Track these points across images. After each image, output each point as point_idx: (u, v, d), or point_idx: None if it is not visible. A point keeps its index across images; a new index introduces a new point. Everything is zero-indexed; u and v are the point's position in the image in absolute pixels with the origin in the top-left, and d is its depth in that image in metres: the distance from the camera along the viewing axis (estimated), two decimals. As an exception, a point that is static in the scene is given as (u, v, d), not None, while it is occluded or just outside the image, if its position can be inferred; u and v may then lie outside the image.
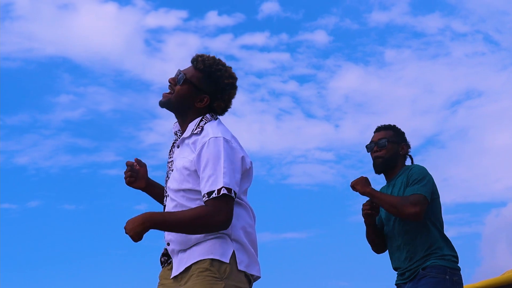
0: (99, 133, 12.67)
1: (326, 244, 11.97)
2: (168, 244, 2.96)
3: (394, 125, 4.36)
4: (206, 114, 3.04)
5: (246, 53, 12.51)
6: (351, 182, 4.18)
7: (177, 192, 2.95)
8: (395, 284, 4.22)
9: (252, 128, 12.64)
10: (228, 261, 2.82)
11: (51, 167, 12.15)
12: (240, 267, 2.86)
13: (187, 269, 2.86)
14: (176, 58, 12.72)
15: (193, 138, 2.97)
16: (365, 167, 11.90)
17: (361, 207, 4.15)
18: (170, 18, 12.58)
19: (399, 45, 13.13)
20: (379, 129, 4.33)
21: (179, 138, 3.07)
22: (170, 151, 3.14)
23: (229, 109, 3.13)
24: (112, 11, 12.83)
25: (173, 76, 3.10)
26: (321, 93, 12.86)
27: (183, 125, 3.06)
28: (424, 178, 4.07)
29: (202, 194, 2.84)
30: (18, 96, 12.42)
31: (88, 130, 12.63)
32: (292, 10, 13.12)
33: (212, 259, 2.81)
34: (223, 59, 3.11)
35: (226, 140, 2.91)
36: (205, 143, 2.88)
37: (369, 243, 4.32)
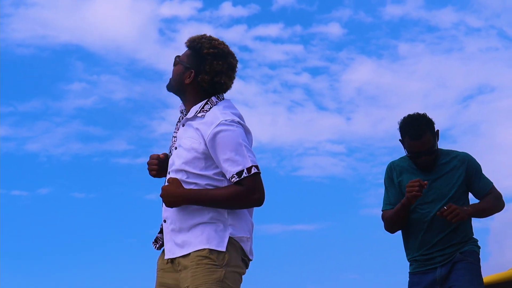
0: (111, 122, 12.70)
1: (337, 237, 11.98)
2: (165, 221, 3.00)
3: (424, 120, 4.08)
4: (211, 97, 3.05)
5: (259, 44, 12.50)
6: (450, 217, 3.90)
7: (179, 172, 2.97)
8: (412, 273, 4.14)
9: (263, 119, 12.65)
10: (224, 250, 2.86)
11: (62, 154, 12.20)
12: (243, 245, 2.93)
13: (185, 256, 2.90)
14: (189, 48, 12.72)
15: (198, 121, 2.98)
16: (376, 160, 11.91)
17: (407, 186, 3.91)
18: (184, 8, 12.58)
19: (413, 39, 13.08)
20: (420, 137, 4.02)
21: (184, 116, 3.10)
22: (176, 126, 3.17)
23: (228, 88, 3.10)
24: (127, 0, 12.86)
25: None
26: (333, 85, 12.85)
27: (187, 106, 3.09)
28: (480, 167, 4.18)
29: (231, 175, 2.88)
30: (31, 83, 12.47)
31: (100, 119, 12.66)
32: (306, 2, 13.10)
33: (210, 249, 2.85)
34: (236, 50, 3.14)
35: (237, 122, 2.95)
36: (217, 127, 2.91)
37: (392, 222, 4.13)
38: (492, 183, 4.16)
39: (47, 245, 11.64)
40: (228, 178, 2.91)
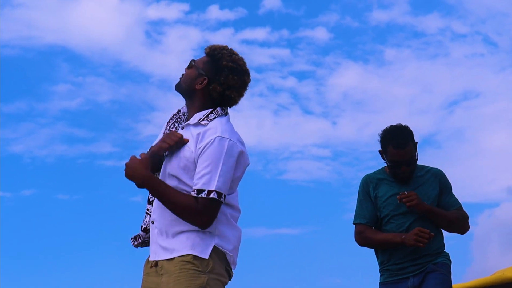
0: (96, 124, 12.68)
1: (321, 241, 12.01)
2: (153, 222, 2.99)
3: (407, 131, 4.16)
4: (217, 107, 3.04)
5: (246, 48, 12.52)
6: (405, 200, 3.99)
7: (171, 177, 2.96)
8: (382, 283, 4.17)
9: (250, 123, 12.66)
10: (207, 257, 2.85)
11: (47, 156, 12.16)
12: (227, 256, 2.92)
13: (169, 260, 2.89)
14: (176, 51, 12.73)
15: (199, 128, 2.97)
16: (361, 165, 11.96)
17: (415, 234, 3.93)
18: (171, 10, 12.59)
19: (399, 45, 13.16)
20: (403, 147, 4.09)
21: (185, 120, 3.09)
22: (168, 123, 3.15)
23: (235, 104, 3.11)
24: (113, 2, 12.84)
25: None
26: (319, 90, 12.89)
27: (190, 110, 3.08)
28: (451, 189, 4.23)
29: (193, 188, 2.87)
30: (16, 84, 12.43)
31: (85, 120, 12.64)
32: (293, 7, 13.14)
33: (194, 255, 2.85)
34: None
35: (231, 142, 2.93)
36: (211, 140, 2.89)
37: (376, 246, 4.20)
38: (461, 204, 4.22)
39: (30, 247, 11.59)
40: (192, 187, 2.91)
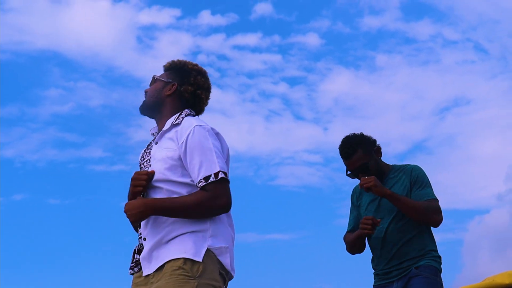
0: (87, 128, 12.67)
1: (311, 246, 12.01)
2: (145, 239, 2.96)
3: (355, 139, 4.15)
4: (185, 109, 3.12)
5: (238, 53, 12.54)
6: (362, 182, 3.98)
7: (156, 187, 2.95)
8: (374, 286, 4.20)
9: (241, 128, 12.67)
10: (201, 260, 2.84)
11: (38, 160, 12.14)
12: (221, 259, 2.90)
13: (161, 267, 2.87)
14: (168, 56, 12.74)
15: (173, 130, 3.02)
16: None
17: (361, 222, 4.00)
18: (163, 15, 12.60)
19: (390, 51, 13.20)
20: (350, 156, 4.10)
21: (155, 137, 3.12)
22: (143, 155, 3.16)
23: (202, 108, 3.22)
24: (105, 7, 12.84)
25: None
26: (311, 95, 12.91)
27: (161, 121, 3.12)
28: (429, 181, 4.08)
29: (198, 180, 2.88)
30: (7, 89, 12.39)
31: (77, 125, 12.62)
32: (285, 12, 13.17)
33: (186, 258, 2.83)
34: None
35: (209, 127, 2.98)
36: (190, 132, 2.94)
37: (350, 246, 4.25)
38: (436, 198, 4.04)
39: (21, 251, 11.55)
40: (196, 183, 2.90)
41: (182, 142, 2.93)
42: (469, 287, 6.38)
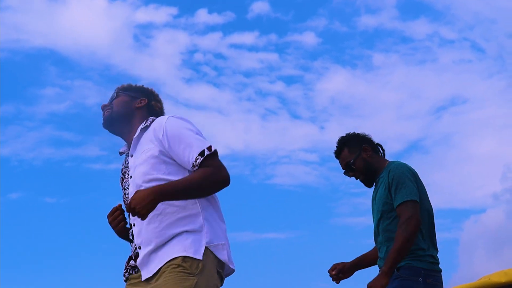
0: (84, 127, 12.66)
1: (308, 245, 12.03)
2: (140, 248, 2.95)
3: (343, 138, 4.26)
4: (150, 116, 3.16)
5: (234, 52, 12.55)
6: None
7: (148, 182, 2.93)
8: None
9: (237, 127, 12.68)
10: (201, 258, 2.84)
11: (34, 159, 12.14)
12: (219, 256, 2.90)
13: (159, 269, 2.87)
14: (164, 54, 12.75)
15: (147, 131, 3.05)
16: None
17: (329, 271, 4.29)
18: (160, 14, 12.61)
19: (387, 50, 13.23)
20: (337, 155, 4.28)
21: (128, 152, 3.13)
22: (122, 174, 3.16)
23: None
24: (101, 5, 12.83)
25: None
26: (307, 94, 12.93)
27: (130, 133, 3.14)
28: (405, 180, 3.89)
29: (194, 159, 2.88)
30: (3, 87, 12.39)
31: (73, 124, 12.62)
32: (282, 11, 13.18)
33: (185, 256, 2.83)
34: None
35: (182, 116, 3.03)
36: (166, 124, 2.98)
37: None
38: (406, 197, 3.86)
39: (17, 250, 11.54)
40: (191, 165, 2.90)
41: (163, 135, 2.95)
42: (465, 286, 6.39)
